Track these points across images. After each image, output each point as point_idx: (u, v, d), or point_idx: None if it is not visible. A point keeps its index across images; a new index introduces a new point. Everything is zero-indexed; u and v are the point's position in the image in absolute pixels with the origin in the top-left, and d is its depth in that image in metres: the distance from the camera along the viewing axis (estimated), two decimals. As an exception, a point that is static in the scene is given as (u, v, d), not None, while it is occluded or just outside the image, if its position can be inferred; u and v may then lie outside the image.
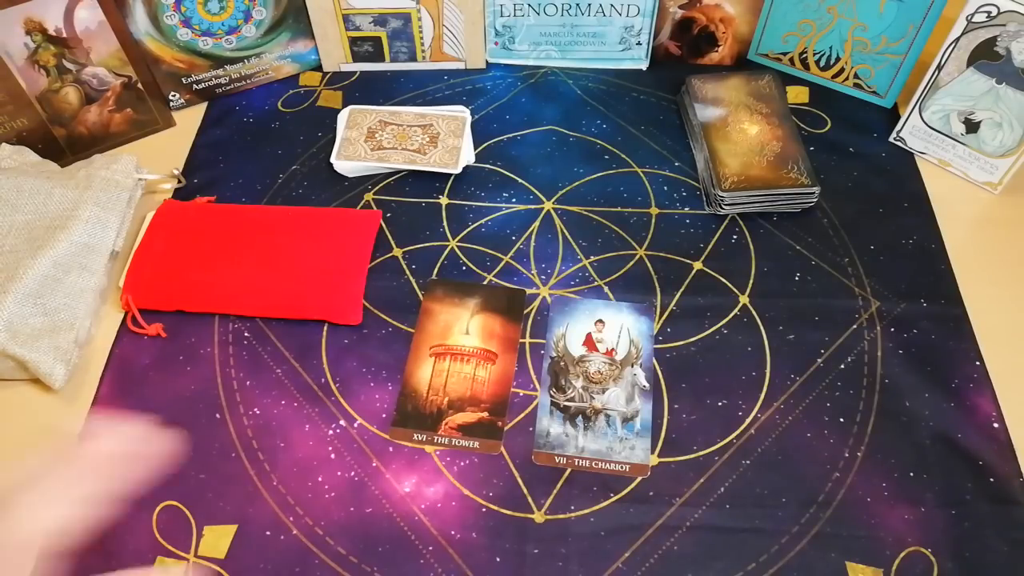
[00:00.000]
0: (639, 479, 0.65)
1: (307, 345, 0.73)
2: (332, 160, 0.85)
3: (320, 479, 0.65)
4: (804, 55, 0.92)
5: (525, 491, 0.64)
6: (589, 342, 0.73)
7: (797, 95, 0.92)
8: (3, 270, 0.71)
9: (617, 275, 0.77)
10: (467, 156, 0.86)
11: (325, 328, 0.74)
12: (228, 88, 0.94)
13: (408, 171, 0.86)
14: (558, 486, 0.65)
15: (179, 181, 0.85)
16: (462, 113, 0.89)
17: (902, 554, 0.61)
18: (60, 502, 0.44)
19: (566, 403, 0.69)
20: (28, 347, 0.68)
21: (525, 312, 0.75)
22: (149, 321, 0.74)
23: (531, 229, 0.81)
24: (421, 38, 0.93)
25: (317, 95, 0.94)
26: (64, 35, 0.79)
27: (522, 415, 0.68)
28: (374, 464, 0.66)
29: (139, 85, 0.86)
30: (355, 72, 0.96)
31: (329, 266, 0.76)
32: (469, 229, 0.81)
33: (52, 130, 0.84)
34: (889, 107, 0.91)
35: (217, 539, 0.62)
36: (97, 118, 0.86)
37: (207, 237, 0.78)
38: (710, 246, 0.79)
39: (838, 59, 0.90)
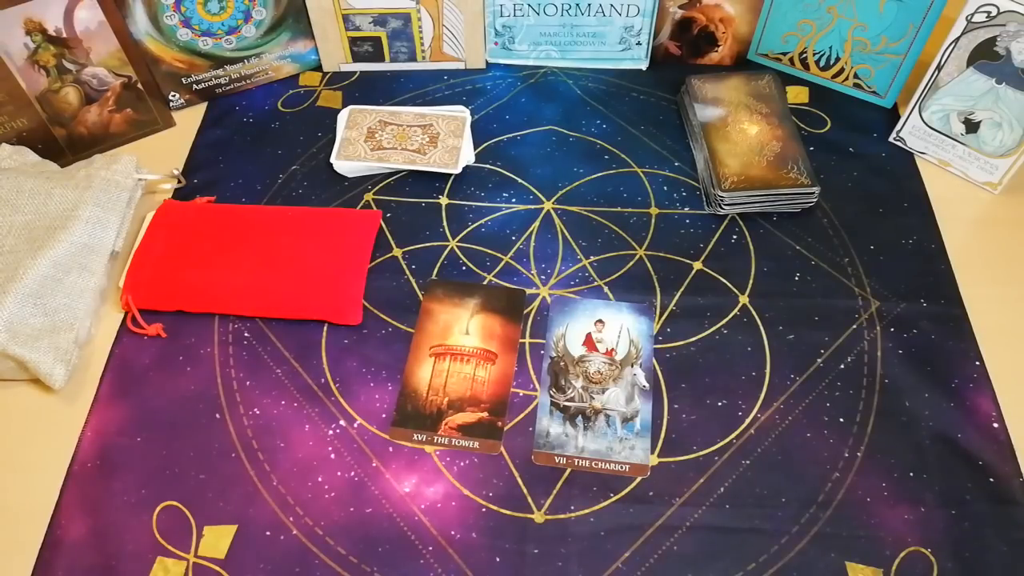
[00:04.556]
0: (639, 479, 0.65)
1: (307, 345, 0.73)
2: (332, 160, 0.85)
3: (320, 479, 0.65)
4: (804, 55, 0.92)
5: (525, 491, 0.64)
6: (589, 342, 0.73)
7: (797, 95, 0.92)
8: (3, 270, 0.71)
9: (617, 275, 0.77)
10: (467, 156, 0.86)
11: (325, 328, 0.74)
12: (228, 88, 0.94)
13: (408, 171, 0.86)
14: (558, 486, 0.65)
15: (179, 181, 0.85)
16: (462, 113, 0.89)
17: (902, 554, 0.61)
18: None
19: (566, 403, 0.69)
20: (28, 347, 0.68)
21: (525, 312, 0.75)
22: (149, 321, 0.74)
23: (531, 229, 0.81)
24: (421, 38, 0.93)
25: (317, 95, 0.94)
26: (64, 35, 0.79)
27: (522, 415, 0.68)
28: (374, 464, 0.66)
29: (139, 85, 0.86)
30: (355, 72, 0.96)
31: (329, 266, 0.76)
32: (469, 229, 0.81)
33: (52, 130, 0.84)
34: (889, 107, 0.91)
35: (217, 539, 0.62)
36: (97, 118, 0.86)
37: (207, 237, 0.78)
38: (710, 246, 0.79)
39: (838, 59, 0.90)
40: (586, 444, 0.67)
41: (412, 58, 0.95)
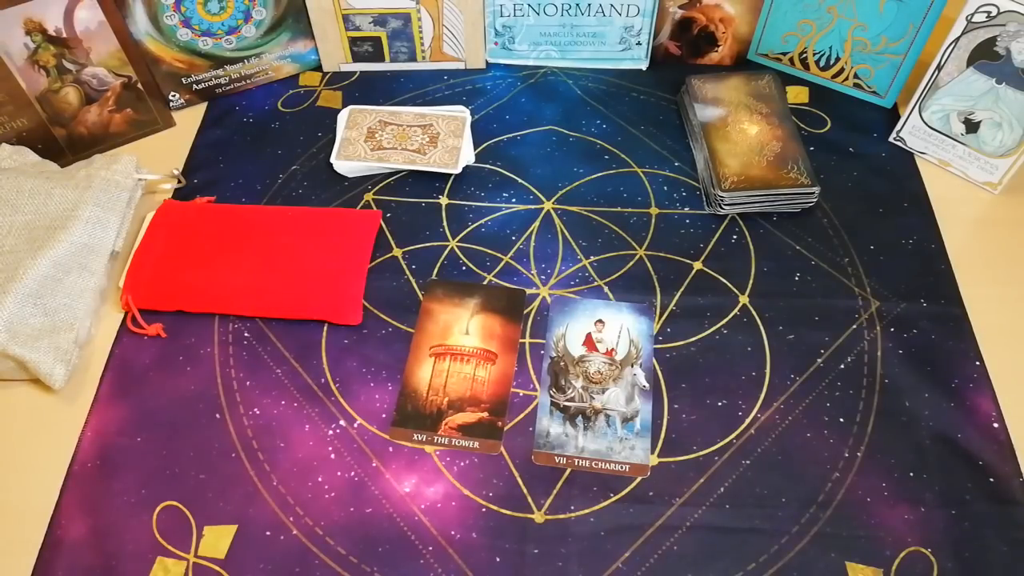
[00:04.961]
0: (639, 479, 0.65)
1: (307, 345, 0.73)
2: (332, 160, 0.85)
3: (320, 479, 0.65)
4: (804, 55, 0.92)
5: (525, 491, 0.64)
6: (589, 342, 0.73)
7: (797, 95, 0.92)
8: (3, 270, 0.71)
9: (617, 275, 0.77)
10: (467, 156, 0.86)
11: (325, 328, 0.74)
12: (228, 88, 0.94)
13: (408, 171, 0.86)
14: (558, 486, 0.65)
15: (179, 181, 0.85)
16: (462, 113, 0.89)
17: (902, 554, 0.61)
18: None
19: (566, 403, 0.69)
20: (28, 347, 0.68)
21: (525, 312, 0.75)
22: (149, 321, 0.74)
23: (531, 229, 0.81)
24: (421, 38, 0.93)
25: (317, 95, 0.94)
26: (64, 35, 0.79)
27: (522, 415, 0.68)
28: (374, 464, 0.66)
29: (139, 85, 0.86)
30: (355, 72, 0.96)
31: (329, 266, 0.76)
32: (469, 229, 0.81)
33: (52, 130, 0.84)
34: (889, 107, 0.91)
35: (217, 539, 0.62)
36: (97, 118, 0.86)
37: (207, 237, 0.78)
38: (710, 246, 0.79)
39: (838, 59, 0.90)
40: (586, 444, 0.67)
41: (412, 58, 0.95)
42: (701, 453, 0.66)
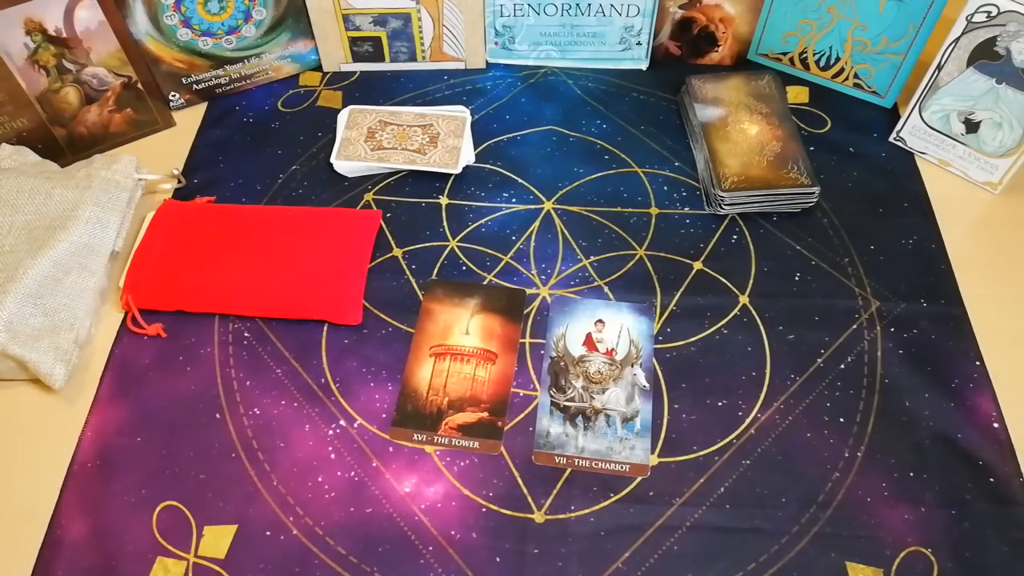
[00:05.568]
0: (639, 479, 0.65)
1: (307, 345, 0.73)
2: (332, 160, 0.85)
3: (320, 479, 0.65)
4: (804, 55, 0.92)
5: (525, 491, 0.64)
6: (589, 342, 0.73)
7: (797, 95, 0.92)
8: (3, 270, 0.71)
9: (617, 275, 0.77)
10: (467, 156, 0.86)
11: (325, 328, 0.74)
12: (228, 88, 0.94)
13: (408, 171, 0.86)
14: (558, 486, 0.65)
15: (179, 181, 0.85)
16: (462, 113, 0.89)
17: (902, 554, 0.61)
18: None
19: (566, 403, 0.69)
20: (28, 347, 0.68)
21: (525, 312, 0.75)
22: (149, 321, 0.74)
23: (531, 229, 0.81)
24: (421, 38, 0.93)
25: (317, 95, 0.94)
26: (64, 35, 0.79)
27: (522, 415, 0.68)
28: (374, 464, 0.66)
29: (139, 85, 0.86)
30: (355, 72, 0.96)
31: (329, 266, 0.76)
32: (469, 229, 0.81)
33: (52, 130, 0.84)
34: (889, 107, 0.91)
35: (217, 539, 0.62)
36: (97, 118, 0.86)
37: (207, 237, 0.78)
38: (710, 246, 0.79)
39: (838, 59, 0.90)
40: (586, 444, 0.67)
41: (412, 58, 0.95)
42: (701, 453, 0.66)
